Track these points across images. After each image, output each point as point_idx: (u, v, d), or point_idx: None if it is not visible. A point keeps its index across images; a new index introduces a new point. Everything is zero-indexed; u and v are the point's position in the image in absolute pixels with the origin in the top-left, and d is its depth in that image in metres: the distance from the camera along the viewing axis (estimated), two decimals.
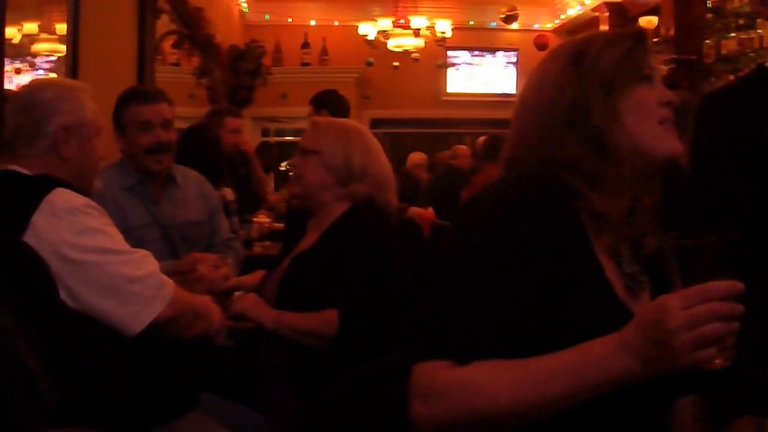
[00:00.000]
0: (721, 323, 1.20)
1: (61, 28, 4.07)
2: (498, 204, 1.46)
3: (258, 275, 3.12)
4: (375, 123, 12.02)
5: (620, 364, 1.26)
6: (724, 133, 2.02)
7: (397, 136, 11.36)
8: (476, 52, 12.27)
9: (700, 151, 2.10)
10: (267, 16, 11.59)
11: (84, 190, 2.26)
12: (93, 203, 2.20)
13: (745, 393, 1.56)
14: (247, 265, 3.81)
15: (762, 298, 1.72)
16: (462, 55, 12.32)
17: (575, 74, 1.55)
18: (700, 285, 1.21)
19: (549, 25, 12.21)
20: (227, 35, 8.88)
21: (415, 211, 7.09)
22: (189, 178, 3.54)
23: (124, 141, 3.28)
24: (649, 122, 1.52)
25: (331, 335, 2.61)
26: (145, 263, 2.22)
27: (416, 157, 9.47)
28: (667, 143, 1.52)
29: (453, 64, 12.30)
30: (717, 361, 1.22)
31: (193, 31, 6.92)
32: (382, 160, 2.94)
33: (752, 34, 7.31)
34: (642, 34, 1.61)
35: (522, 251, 1.39)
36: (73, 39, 4.04)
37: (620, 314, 1.40)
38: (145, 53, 5.27)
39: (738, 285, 1.21)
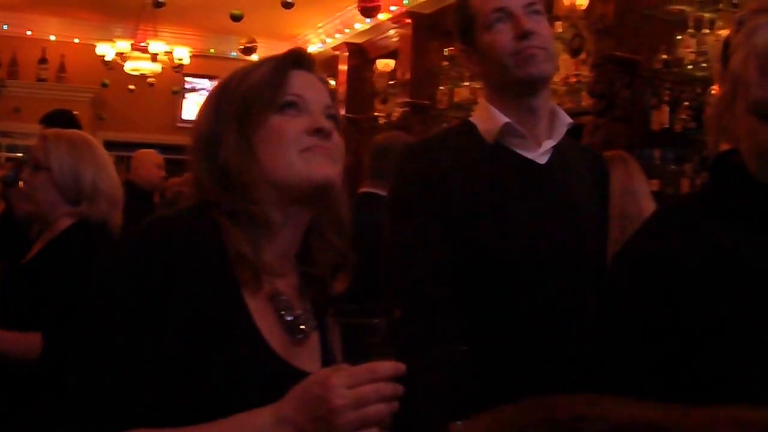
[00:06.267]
0: (385, 404, 1.19)
1: None
2: (137, 251, 1.34)
3: None
4: (109, 145, 11.75)
5: None
6: (420, 185, 2.00)
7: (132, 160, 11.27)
8: (215, 81, 12.33)
9: (396, 200, 2.10)
10: (5, 27, 11.31)
11: None
12: None
13: None
14: None
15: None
16: (201, 83, 12.42)
17: (214, 105, 1.48)
18: (366, 365, 1.20)
19: None
20: None
21: None
22: None
23: None
24: (286, 152, 1.42)
25: (34, 357, 2.57)
26: None
27: None
28: (305, 171, 1.41)
29: (193, 90, 12.41)
30: None
31: None
32: (112, 177, 2.89)
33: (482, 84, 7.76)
34: (290, 57, 1.51)
35: (162, 305, 1.28)
36: None
37: (276, 368, 1.37)
38: None
39: (401, 366, 1.22)
